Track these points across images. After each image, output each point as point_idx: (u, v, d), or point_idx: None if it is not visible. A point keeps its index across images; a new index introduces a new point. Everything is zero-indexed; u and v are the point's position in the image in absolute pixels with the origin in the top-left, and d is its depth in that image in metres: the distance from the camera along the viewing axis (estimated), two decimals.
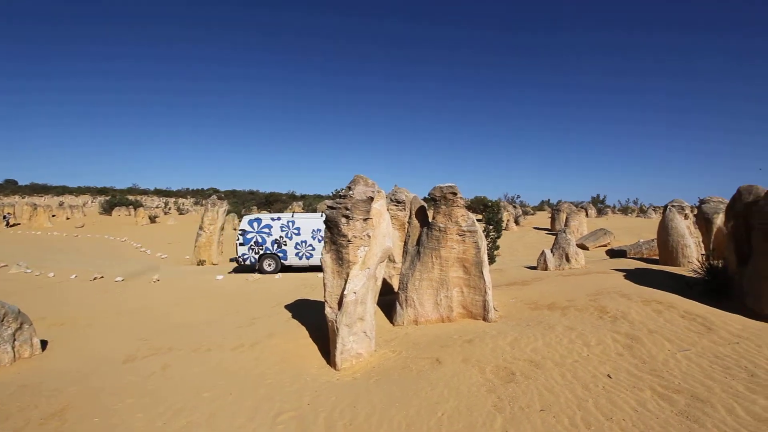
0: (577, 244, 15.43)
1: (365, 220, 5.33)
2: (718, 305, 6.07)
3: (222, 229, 17.55)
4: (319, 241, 12.83)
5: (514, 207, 28.00)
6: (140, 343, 6.15)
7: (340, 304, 5.21)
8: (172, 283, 11.39)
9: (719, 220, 8.89)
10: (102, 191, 58.98)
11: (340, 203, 5.39)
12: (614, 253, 11.54)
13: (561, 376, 3.89)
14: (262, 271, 12.90)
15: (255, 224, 13.29)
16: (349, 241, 5.24)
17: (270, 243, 13.11)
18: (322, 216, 11.35)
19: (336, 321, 5.14)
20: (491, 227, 7.95)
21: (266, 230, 13.18)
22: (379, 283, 5.52)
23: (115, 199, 40.35)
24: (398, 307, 6.63)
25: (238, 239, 13.21)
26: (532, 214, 30.31)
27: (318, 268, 10.99)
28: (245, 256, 13.09)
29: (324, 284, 5.47)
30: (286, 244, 13.26)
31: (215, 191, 49.18)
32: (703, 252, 8.63)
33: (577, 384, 3.71)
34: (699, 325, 4.94)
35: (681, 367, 3.90)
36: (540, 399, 3.52)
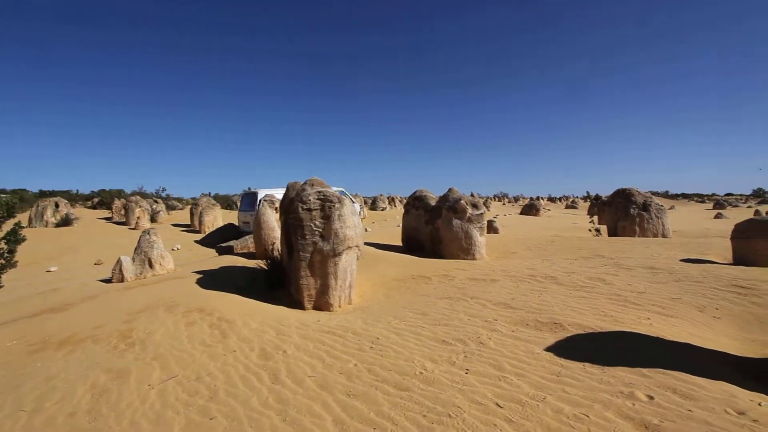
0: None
1: None
2: (270, 297, 6.25)
3: None
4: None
5: (156, 201, 24.34)
6: None
7: None
8: None
9: None
10: None
11: None
12: (223, 250, 11.16)
13: None
14: None
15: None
16: None
17: None
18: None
19: None
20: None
21: None
22: None
23: None
24: None
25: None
26: (181, 209, 27.69)
27: None
28: None
29: None
30: None
31: None
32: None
33: None
34: (219, 333, 4.57)
35: (145, 409, 3.13)
36: None
